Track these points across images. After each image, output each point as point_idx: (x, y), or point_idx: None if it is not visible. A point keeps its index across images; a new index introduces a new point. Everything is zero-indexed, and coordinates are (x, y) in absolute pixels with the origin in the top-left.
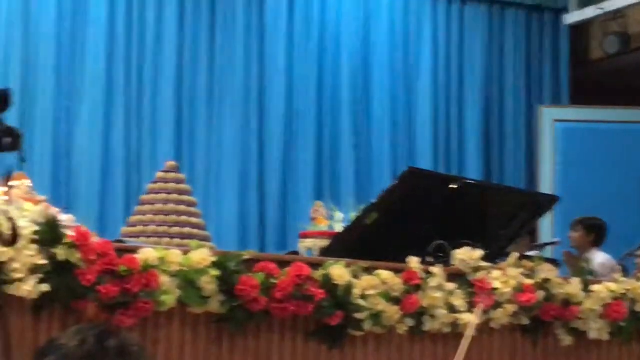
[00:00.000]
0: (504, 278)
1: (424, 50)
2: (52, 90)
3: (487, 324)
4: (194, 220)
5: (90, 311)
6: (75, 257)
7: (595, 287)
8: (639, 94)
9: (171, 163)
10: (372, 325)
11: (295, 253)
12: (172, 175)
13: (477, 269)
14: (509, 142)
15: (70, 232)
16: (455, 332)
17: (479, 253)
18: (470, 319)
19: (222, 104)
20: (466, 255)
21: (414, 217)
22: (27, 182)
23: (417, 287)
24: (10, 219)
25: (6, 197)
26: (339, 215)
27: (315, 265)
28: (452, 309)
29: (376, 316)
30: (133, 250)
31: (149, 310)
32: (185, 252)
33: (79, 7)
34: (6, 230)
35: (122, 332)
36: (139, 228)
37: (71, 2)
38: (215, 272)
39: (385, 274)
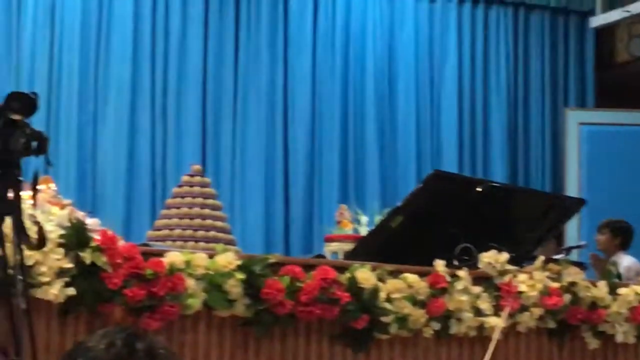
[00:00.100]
0: (530, 281)
1: (449, 54)
2: (77, 95)
3: (514, 327)
4: (219, 223)
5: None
6: (102, 260)
7: (622, 290)
8: None
9: (196, 167)
10: (398, 329)
11: (321, 256)
12: (197, 179)
13: (503, 272)
14: (535, 145)
15: (96, 236)
16: (482, 336)
17: (505, 256)
18: (497, 323)
19: (247, 108)
20: (492, 259)
21: (440, 220)
22: (53, 186)
23: (443, 291)
24: (37, 223)
25: (32, 201)
26: (363, 218)
27: (341, 269)
28: (478, 313)
29: (402, 319)
30: (159, 254)
31: (175, 313)
32: (211, 256)
33: (103, 12)
34: (33, 234)
35: (149, 335)
36: (165, 232)
37: (96, 8)
38: (240, 276)
39: (411, 277)
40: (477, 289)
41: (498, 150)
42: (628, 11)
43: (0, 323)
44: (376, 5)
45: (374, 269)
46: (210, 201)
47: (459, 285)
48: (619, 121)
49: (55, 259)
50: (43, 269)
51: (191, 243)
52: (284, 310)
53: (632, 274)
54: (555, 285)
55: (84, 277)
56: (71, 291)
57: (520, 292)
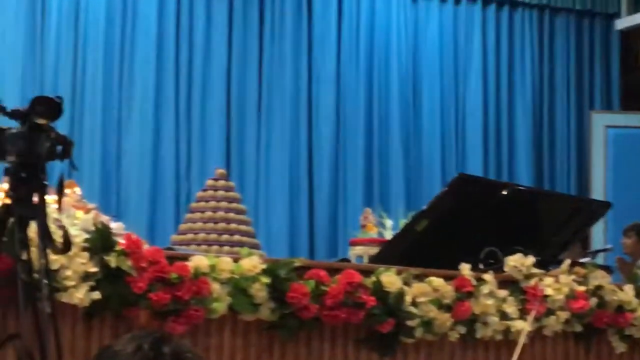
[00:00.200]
0: (556, 285)
1: (474, 57)
2: (101, 99)
3: (540, 331)
4: (243, 227)
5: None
6: (127, 264)
7: None
8: None
9: (221, 171)
10: (424, 333)
11: (346, 260)
12: (221, 183)
13: (529, 276)
14: (560, 148)
15: (121, 240)
16: (508, 340)
17: (531, 260)
18: (523, 326)
19: (271, 112)
20: (518, 262)
21: (465, 224)
22: (78, 190)
23: (469, 294)
24: (62, 227)
25: (57, 205)
26: (388, 222)
27: (366, 273)
28: (504, 316)
29: (427, 323)
30: (184, 258)
31: (200, 317)
32: (236, 260)
33: (127, 16)
34: (58, 238)
35: (176, 338)
36: (189, 236)
37: (120, 12)
38: (266, 280)
39: (436, 281)
40: (503, 293)
41: (523, 154)
42: None
43: (26, 327)
44: (400, 8)
45: (399, 273)
46: (234, 205)
47: (485, 289)
48: None
49: (80, 263)
50: (68, 273)
51: (215, 247)
52: (309, 314)
53: None
54: (582, 288)
55: (109, 281)
56: (96, 295)
57: (547, 296)
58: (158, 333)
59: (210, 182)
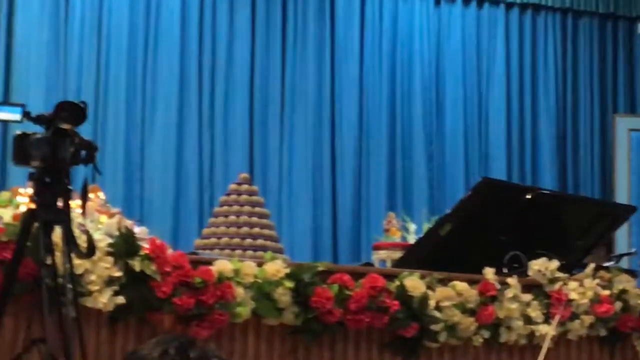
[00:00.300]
0: (580, 289)
1: (497, 60)
2: (124, 104)
3: (564, 335)
4: (266, 232)
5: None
6: (151, 269)
7: None
8: None
9: (244, 175)
10: (448, 337)
11: (369, 264)
12: (244, 187)
13: (553, 280)
14: (584, 151)
15: (145, 245)
16: (532, 344)
17: (555, 264)
18: (547, 331)
19: (295, 116)
20: (542, 266)
21: (489, 228)
22: (102, 195)
23: (493, 298)
24: (86, 232)
25: (82, 210)
26: (411, 226)
27: (390, 277)
28: (528, 321)
29: (451, 328)
30: (208, 262)
31: (224, 321)
32: (260, 264)
33: (151, 22)
34: (82, 242)
35: (201, 342)
36: (212, 240)
37: (143, 16)
38: (289, 284)
39: (460, 285)
40: (527, 297)
41: (547, 157)
42: None
43: (51, 331)
44: (423, 12)
45: (423, 277)
46: (257, 209)
47: (509, 293)
48: None
49: (104, 267)
50: (92, 277)
51: (239, 251)
52: (333, 318)
53: None
54: (606, 292)
55: (133, 286)
56: (120, 300)
57: (571, 300)
58: (184, 337)
59: (233, 186)
